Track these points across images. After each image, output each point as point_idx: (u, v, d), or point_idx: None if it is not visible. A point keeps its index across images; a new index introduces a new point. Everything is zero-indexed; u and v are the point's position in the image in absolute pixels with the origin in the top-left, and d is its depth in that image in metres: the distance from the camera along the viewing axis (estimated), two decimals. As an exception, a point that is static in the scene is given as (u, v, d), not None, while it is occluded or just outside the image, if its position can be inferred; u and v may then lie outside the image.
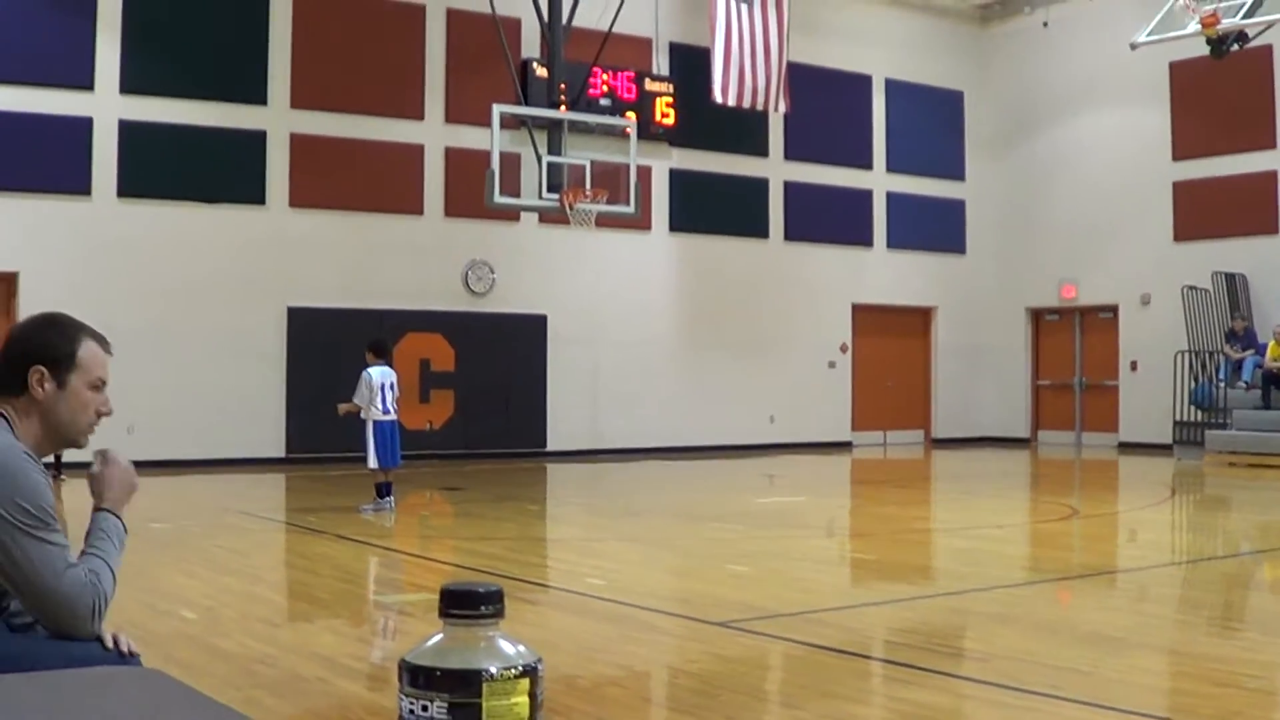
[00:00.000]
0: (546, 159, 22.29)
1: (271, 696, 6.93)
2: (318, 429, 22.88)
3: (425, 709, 1.75)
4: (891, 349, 31.59)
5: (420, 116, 25.04)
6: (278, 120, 23.60)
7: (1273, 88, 27.93)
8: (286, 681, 7.28)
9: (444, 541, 14.48)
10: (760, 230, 29.29)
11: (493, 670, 1.74)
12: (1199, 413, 27.35)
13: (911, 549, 14.22)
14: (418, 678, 1.75)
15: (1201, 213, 28.93)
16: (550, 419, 26.05)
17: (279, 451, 23.25)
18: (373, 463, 15.91)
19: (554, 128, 22.85)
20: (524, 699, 1.75)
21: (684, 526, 15.74)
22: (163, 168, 22.58)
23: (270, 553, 13.48)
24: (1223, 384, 27.00)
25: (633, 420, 26.91)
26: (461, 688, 1.73)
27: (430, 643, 1.77)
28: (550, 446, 25.90)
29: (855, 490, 23.01)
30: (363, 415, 15.99)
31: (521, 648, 1.75)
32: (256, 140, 23.48)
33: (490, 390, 24.88)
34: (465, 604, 1.77)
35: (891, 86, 31.45)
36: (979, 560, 12.67)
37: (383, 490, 15.89)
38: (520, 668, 1.75)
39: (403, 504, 16.06)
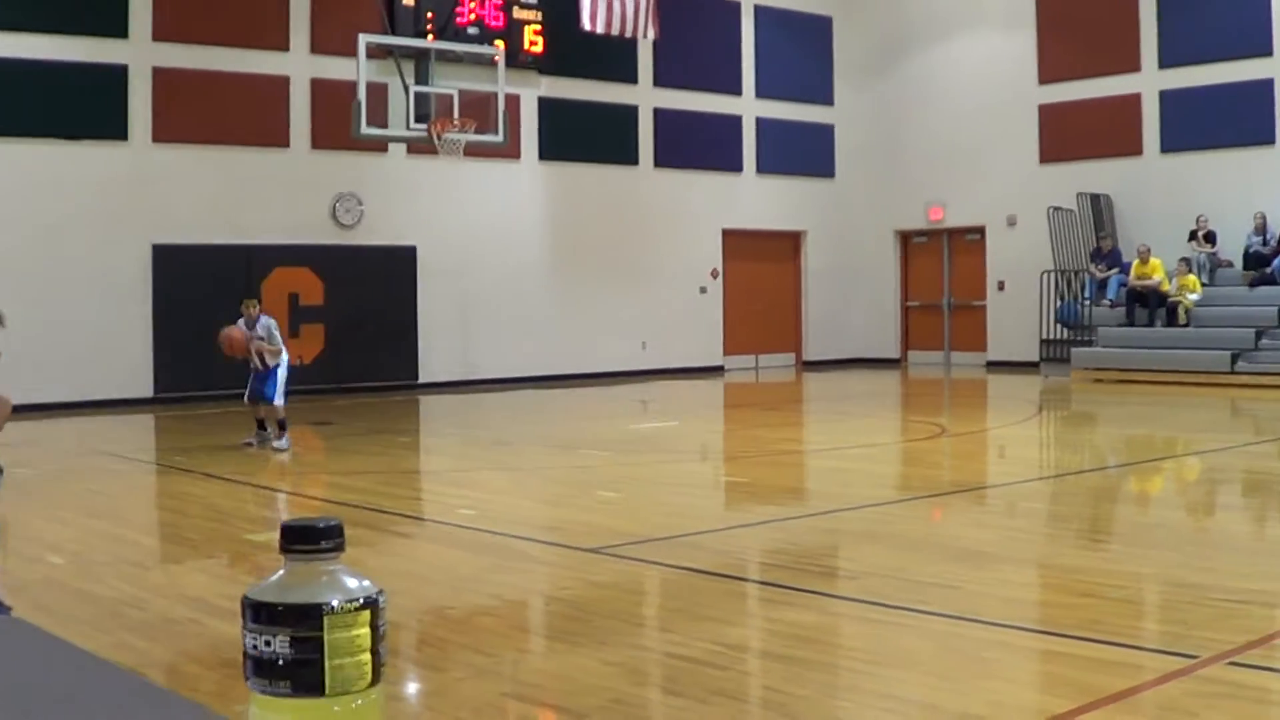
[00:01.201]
0: (414, 89, 22.13)
1: (143, 639, 6.88)
2: (186, 368, 22.64)
3: (269, 644, 1.74)
4: (762, 273, 31.73)
5: (285, 48, 24.65)
6: (139, 54, 23.14)
7: (1137, 11, 28.24)
8: (157, 624, 7.23)
9: (315, 477, 14.41)
10: (630, 157, 29.24)
11: (334, 603, 1.73)
12: (1065, 331, 27.76)
13: (783, 470, 14.34)
14: (260, 613, 1.74)
15: (1067, 135, 29.26)
16: (421, 351, 25.89)
17: (146, 391, 22.94)
18: (281, 400, 15.77)
19: (421, 57, 22.68)
20: (365, 630, 1.74)
21: (556, 455, 15.77)
22: (21, 104, 22.06)
23: (139, 494, 13.34)
24: (1088, 302, 27.39)
25: (504, 350, 26.84)
26: (303, 621, 1.72)
27: (272, 579, 1.77)
28: (422, 379, 25.77)
29: (727, 414, 23.15)
30: (270, 360, 15.86)
31: (365, 581, 1.74)
32: (118, 74, 23.00)
33: (360, 324, 24.68)
34: (305, 539, 1.77)
35: (760, 12, 31.44)
36: (849, 480, 12.81)
37: (284, 425, 15.82)
38: (361, 600, 1.75)
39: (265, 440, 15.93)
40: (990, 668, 6.18)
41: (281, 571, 1.75)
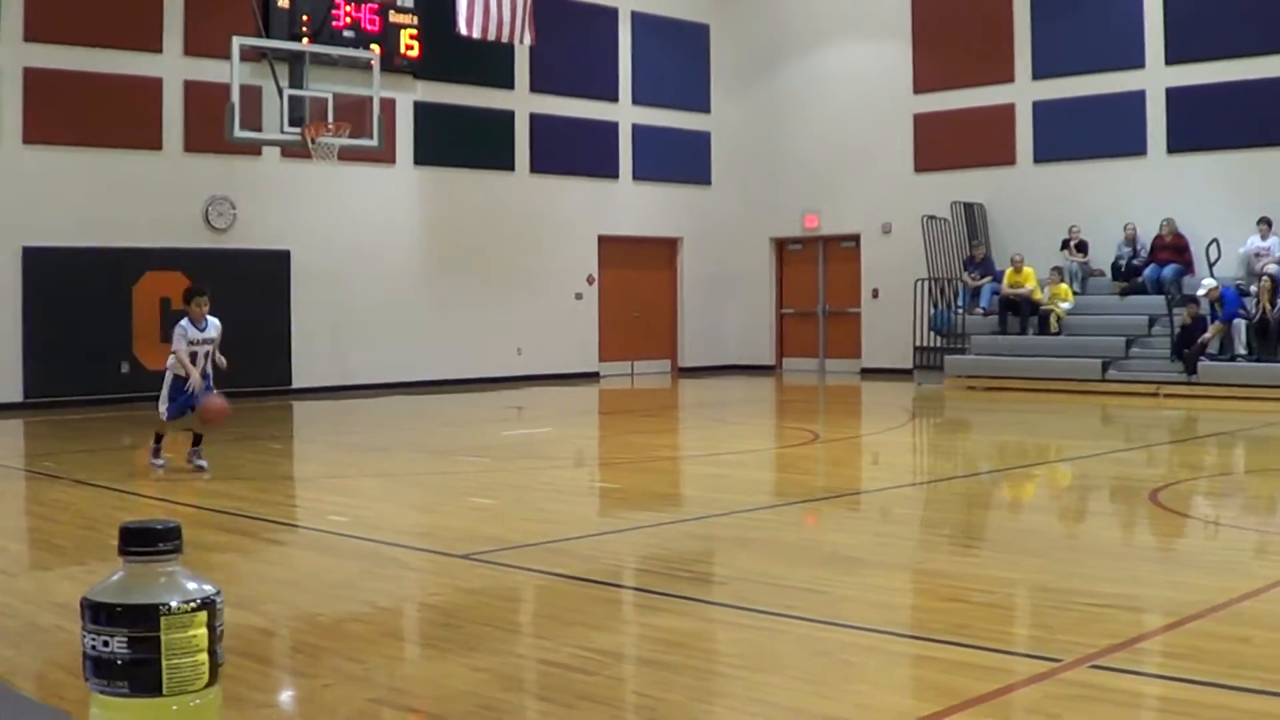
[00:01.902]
0: (288, 92, 21.94)
1: (9, 647, 6.76)
2: (57, 372, 22.32)
3: (106, 644, 1.73)
4: (638, 280, 31.79)
5: (159, 49, 24.33)
6: (10, 54, 22.76)
7: (1012, 22, 28.63)
8: (24, 631, 7.11)
9: (187, 484, 14.20)
10: (506, 163, 29.18)
11: (171, 604, 1.72)
12: (939, 338, 28.05)
13: (656, 476, 14.37)
14: (99, 614, 1.73)
15: (941, 144, 29.60)
16: (295, 356, 25.69)
17: (16, 396, 22.59)
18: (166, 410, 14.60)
19: (296, 60, 22.50)
20: (202, 631, 1.73)
21: (429, 461, 15.71)
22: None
23: (7, 501, 13.12)
24: (961, 310, 27.70)
25: (379, 355, 26.70)
26: (140, 622, 1.71)
27: (111, 580, 1.75)
28: (296, 384, 25.56)
29: (602, 420, 23.14)
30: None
31: (203, 583, 1.73)
32: (-14, 75, 22.71)
33: (233, 328, 24.37)
34: (143, 541, 1.75)
35: (638, 19, 31.52)
36: (723, 486, 12.86)
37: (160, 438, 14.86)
38: (198, 601, 1.73)
39: (145, 447, 15.70)
40: (858, 672, 6.22)
41: (120, 573, 1.74)
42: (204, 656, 1.71)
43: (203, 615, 1.71)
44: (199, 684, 1.72)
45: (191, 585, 1.74)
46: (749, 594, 7.76)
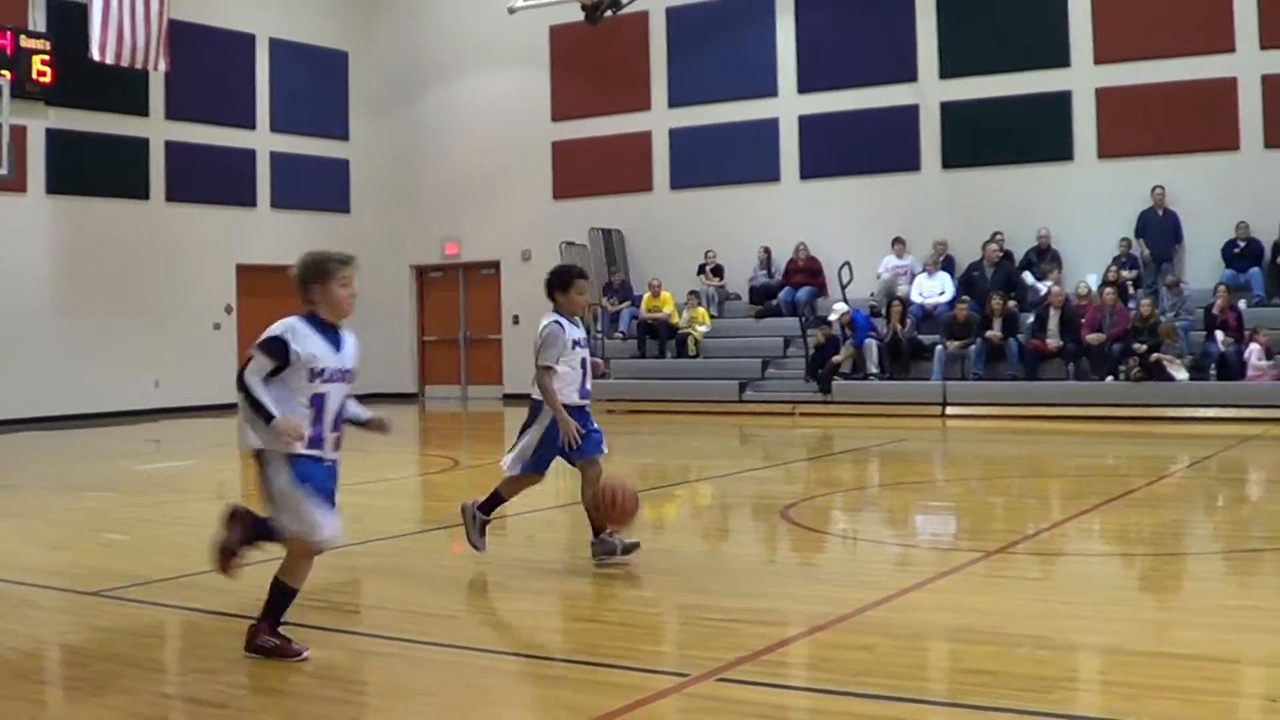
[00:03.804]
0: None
1: None
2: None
3: None
4: (278, 309, 30.74)
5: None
6: None
7: (648, 52, 29.16)
8: None
9: None
10: (141, 191, 28.46)
11: None
12: (581, 363, 28.26)
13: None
14: None
15: (580, 171, 29.98)
16: (-81, 391, 24.71)
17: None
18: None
19: (-83, 85, 21.66)
20: None
21: (60, 498, 15.18)
22: None
23: None
24: (601, 335, 28.00)
25: (8, 390, 25.74)
26: None
27: None
28: (-80, 421, 24.58)
29: (242, 453, 22.69)
30: None
31: None
32: None
33: None
34: None
35: (275, 45, 31.12)
36: (361, 515, 12.70)
37: None
38: None
39: None
40: (491, 694, 6.28)
41: None
42: None
43: None
44: None
45: None
46: (387, 622, 7.74)
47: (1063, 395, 22.78)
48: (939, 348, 23.89)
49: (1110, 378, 22.55)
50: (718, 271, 27.93)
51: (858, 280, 25.82)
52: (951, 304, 24.41)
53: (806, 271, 26.93)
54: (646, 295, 27.54)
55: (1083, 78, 25.39)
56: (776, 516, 12.06)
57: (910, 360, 24.50)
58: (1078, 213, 25.18)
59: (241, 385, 6.72)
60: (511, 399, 30.06)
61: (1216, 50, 24.19)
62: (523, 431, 9.59)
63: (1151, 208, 24.46)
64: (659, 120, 29.26)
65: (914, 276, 25.83)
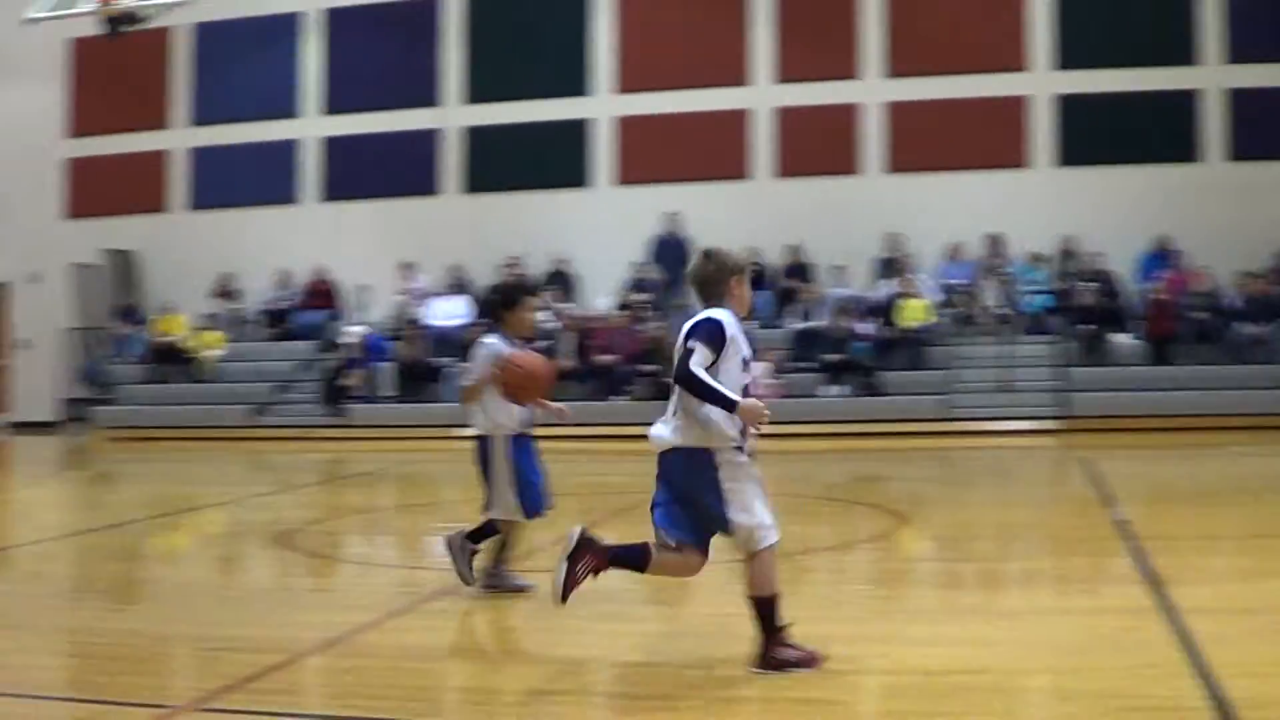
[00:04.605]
0: None
1: None
2: None
3: None
4: None
5: None
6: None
7: (167, 68, 28.65)
8: None
9: None
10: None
11: None
12: (93, 389, 27.55)
13: None
14: None
15: (95, 190, 29.25)
16: None
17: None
18: None
19: None
20: None
21: None
22: None
23: None
24: (115, 359, 27.33)
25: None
26: None
27: None
28: None
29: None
30: None
31: None
32: None
33: None
34: None
35: None
36: None
37: None
38: None
39: None
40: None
41: None
42: None
43: None
44: None
45: None
46: None
47: (577, 415, 23.25)
48: (455, 370, 24.20)
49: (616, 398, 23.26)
50: (233, 294, 27.63)
51: (376, 303, 25.95)
52: (468, 327, 24.73)
53: (323, 295, 26.90)
54: (160, 318, 27.01)
55: (602, 106, 26.17)
56: (274, 542, 12.02)
57: (426, 383, 24.72)
58: (595, 237, 25.91)
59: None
60: (21, 427, 28.96)
61: (732, 84, 25.36)
62: (486, 475, 9.00)
63: (666, 233, 25.33)
64: (180, 139, 28.83)
65: (429, 299, 26.09)
